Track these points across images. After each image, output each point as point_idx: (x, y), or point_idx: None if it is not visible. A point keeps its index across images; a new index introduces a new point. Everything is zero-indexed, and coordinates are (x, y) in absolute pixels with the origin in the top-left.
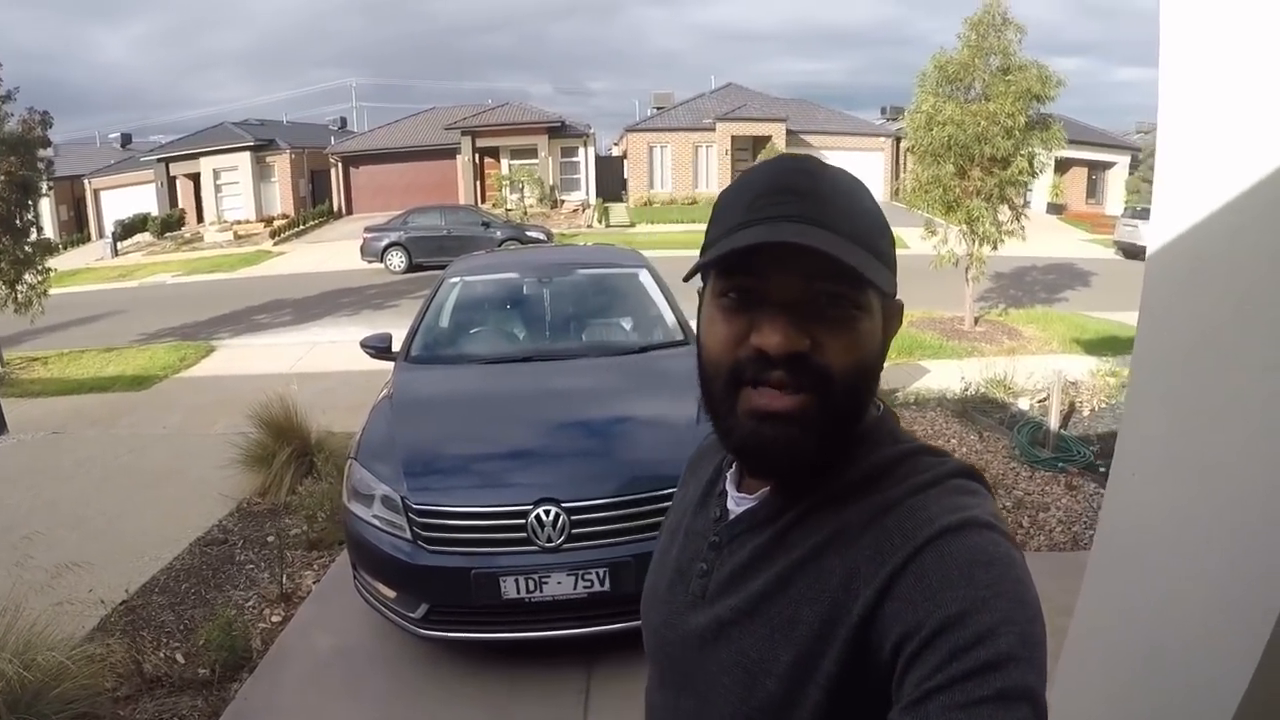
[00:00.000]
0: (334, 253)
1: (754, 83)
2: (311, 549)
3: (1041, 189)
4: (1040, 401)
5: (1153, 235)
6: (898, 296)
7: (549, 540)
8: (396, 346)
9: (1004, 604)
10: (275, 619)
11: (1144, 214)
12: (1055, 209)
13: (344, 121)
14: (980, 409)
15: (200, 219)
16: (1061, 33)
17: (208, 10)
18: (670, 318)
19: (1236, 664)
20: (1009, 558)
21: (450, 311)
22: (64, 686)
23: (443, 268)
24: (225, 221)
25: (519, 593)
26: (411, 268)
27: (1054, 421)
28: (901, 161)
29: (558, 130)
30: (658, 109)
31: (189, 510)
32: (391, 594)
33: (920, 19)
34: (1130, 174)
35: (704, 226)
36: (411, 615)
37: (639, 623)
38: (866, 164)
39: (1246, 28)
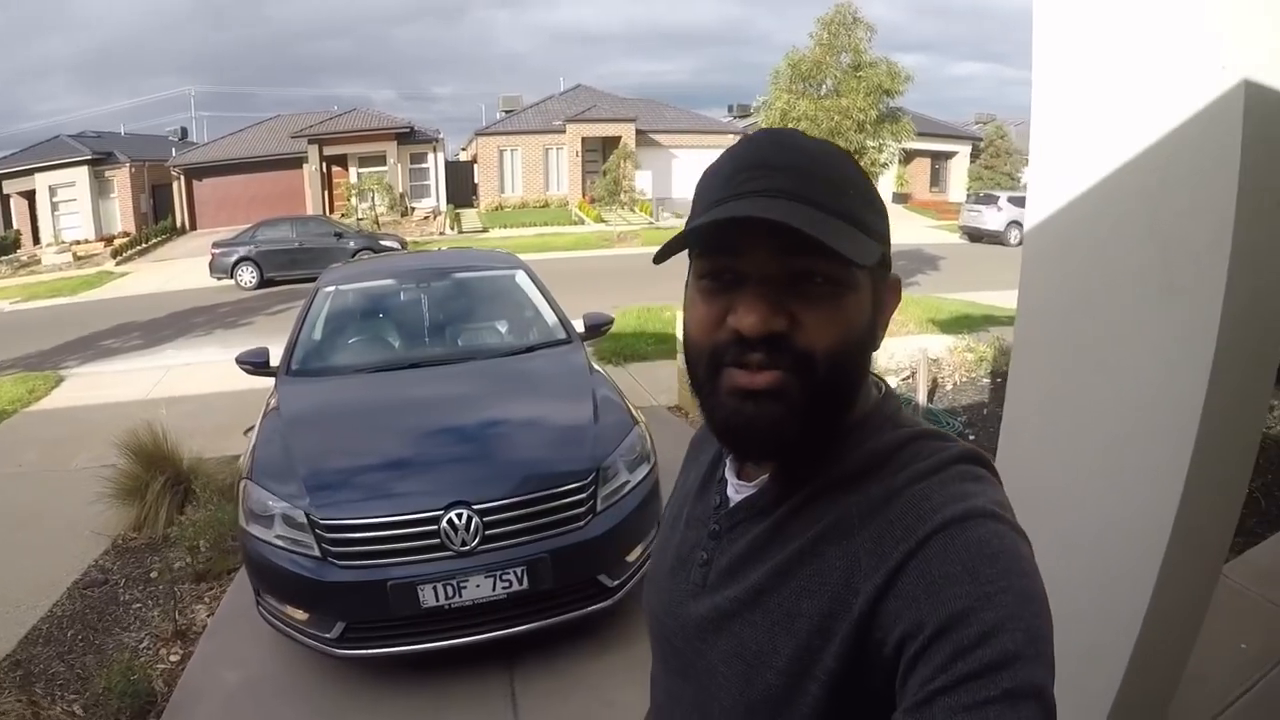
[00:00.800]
0: (181, 271)
1: (601, 84)
2: (199, 581)
3: (888, 179)
4: (905, 379)
5: (1029, 215)
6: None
7: (463, 544)
8: (274, 361)
9: (1009, 600)
10: (174, 658)
11: (986, 199)
12: (901, 198)
13: (184, 132)
14: None
15: (37, 240)
16: (902, 32)
17: (34, 16)
18: (551, 317)
19: (1134, 587)
20: (1014, 551)
21: (328, 321)
22: None
23: (297, 282)
24: (64, 242)
25: (438, 600)
26: (263, 283)
27: (921, 396)
28: None
29: (406, 136)
30: (507, 112)
31: (60, 552)
32: (303, 616)
33: (761, 18)
34: (971, 163)
35: (558, 229)
36: (326, 636)
37: (559, 618)
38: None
39: (1111, 30)
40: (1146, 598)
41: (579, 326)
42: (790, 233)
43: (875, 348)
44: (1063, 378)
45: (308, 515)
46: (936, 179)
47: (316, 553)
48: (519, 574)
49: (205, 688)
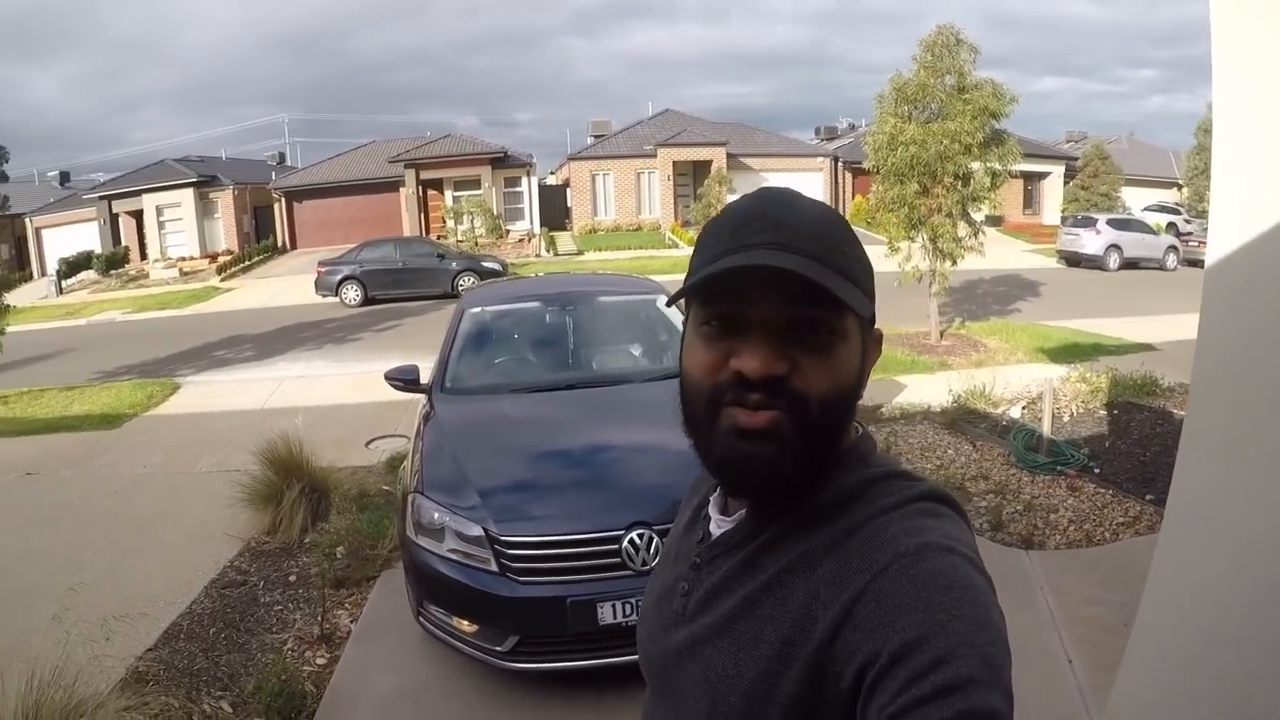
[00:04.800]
0: (284, 288)
1: (681, 108)
2: (339, 587)
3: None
4: (1025, 408)
5: (1211, 245)
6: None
7: (643, 564)
8: (422, 378)
9: (962, 626)
10: (320, 661)
11: (1085, 222)
12: (994, 221)
13: (282, 157)
14: (966, 419)
15: (144, 256)
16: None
17: (131, 50)
18: None
19: None
20: (967, 580)
21: (476, 341)
22: None
23: (400, 300)
24: (170, 258)
25: (616, 617)
26: (367, 301)
27: (1046, 427)
28: (840, 181)
29: (500, 161)
30: (597, 136)
31: (194, 552)
32: (472, 628)
33: (836, 39)
34: (1066, 183)
35: (651, 252)
36: (497, 649)
37: None
38: (805, 185)
39: None
40: None
41: None
42: (797, 283)
43: (860, 395)
44: (1245, 420)
45: (486, 531)
46: (1030, 201)
47: (494, 568)
48: None
49: (358, 691)
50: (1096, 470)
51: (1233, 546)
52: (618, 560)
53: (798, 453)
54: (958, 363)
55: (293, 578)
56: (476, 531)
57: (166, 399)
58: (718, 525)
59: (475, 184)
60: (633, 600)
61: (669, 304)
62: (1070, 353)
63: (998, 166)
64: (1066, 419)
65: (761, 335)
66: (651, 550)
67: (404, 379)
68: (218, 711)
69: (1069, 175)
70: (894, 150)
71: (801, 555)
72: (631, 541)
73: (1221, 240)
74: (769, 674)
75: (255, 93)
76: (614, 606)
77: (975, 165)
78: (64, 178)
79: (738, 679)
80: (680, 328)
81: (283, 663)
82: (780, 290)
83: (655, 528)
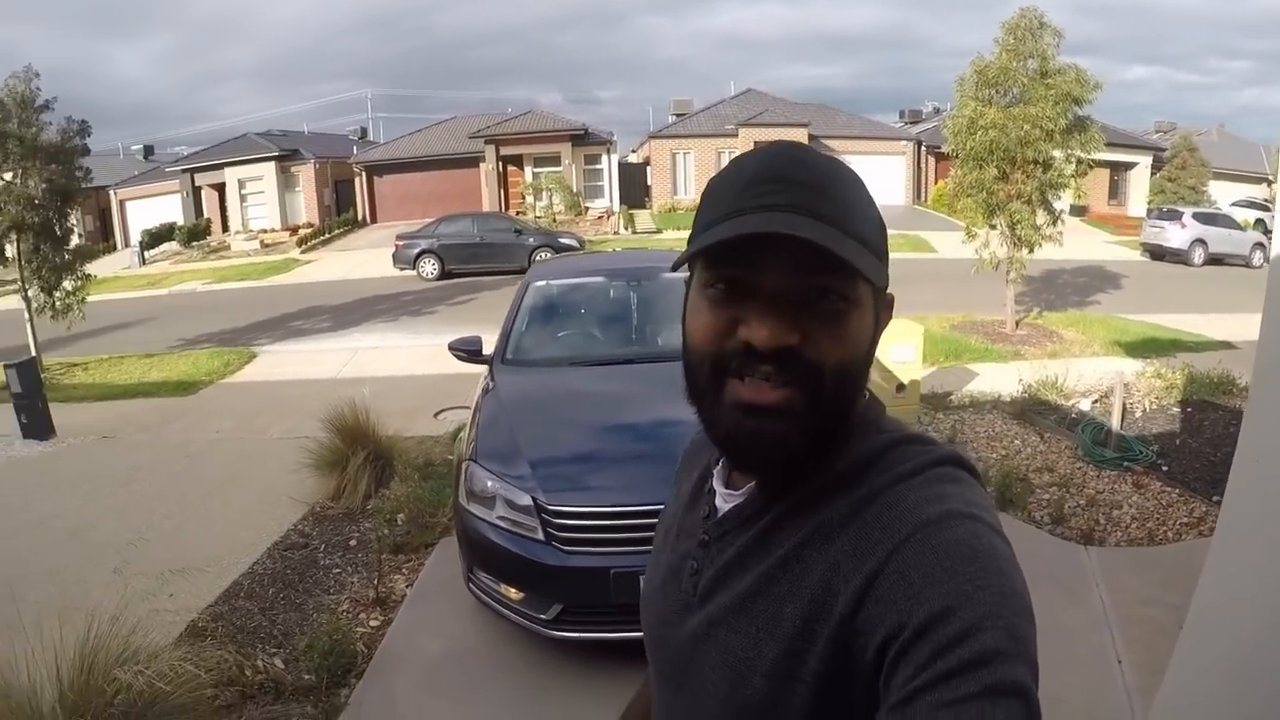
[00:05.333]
0: (363, 260)
1: (765, 88)
2: (397, 552)
3: (1065, 191)
4: (1096, 402)
5: (1277, 238)
6: (889, 290)
7: None
8: (485, 350)
9: (988, 597)
10: (374, 623)
11: (1170, 215)
12: (1078, 210)
13: (364, 132)
14: (1036, 410)
15: (226, 228)
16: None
17: (218, 27)
18: None
19: None
20: (992, 549)
21: (540, 314)
22: (175, 697)
23: (476, 275)
24: (251, 230)
25: None
26: (444, 274)
27: (1116, 422)
28: (924, 165)
29: (581, 138)
30: (678, 115)
31: (260, 515)
32: (518, 595)
33: (921, 22)
34: (1153, 175)
35: None
36: (541, 616)
37: None
38: (888, 168)
39: None
40: None
41: None
42: (809, 250)
43: (871, 362)
44: None
45: (534, 500)
46: (1115, 191)
47: (540, 536)
48: None
49: (407, 654)
50: (1165, 468)
51: None
52: None
53: (808, 428)
54: (1032, 353)
55: (353, 542)
56: (525, 500)
57: (242, 367)
58: (724, 499)
59: (555, 160)
60: None
61: (674, 269)
62: (1147, 347)
63: (1079, 154)
64: (1139, 414)
65: (771, 303)
66: None
67: (467, 350)
68: (270, 667)
69: (1156, 166)
70: (973, 134)
71: (817, 527)
72: None
73: None
74: (792, 653)
75: (340, 69)
76: None
77: (1056, 152)
78: (148, 151)
79: (759, 660)
80: None
81: (335, 623)
82: (793, 256)
83: None
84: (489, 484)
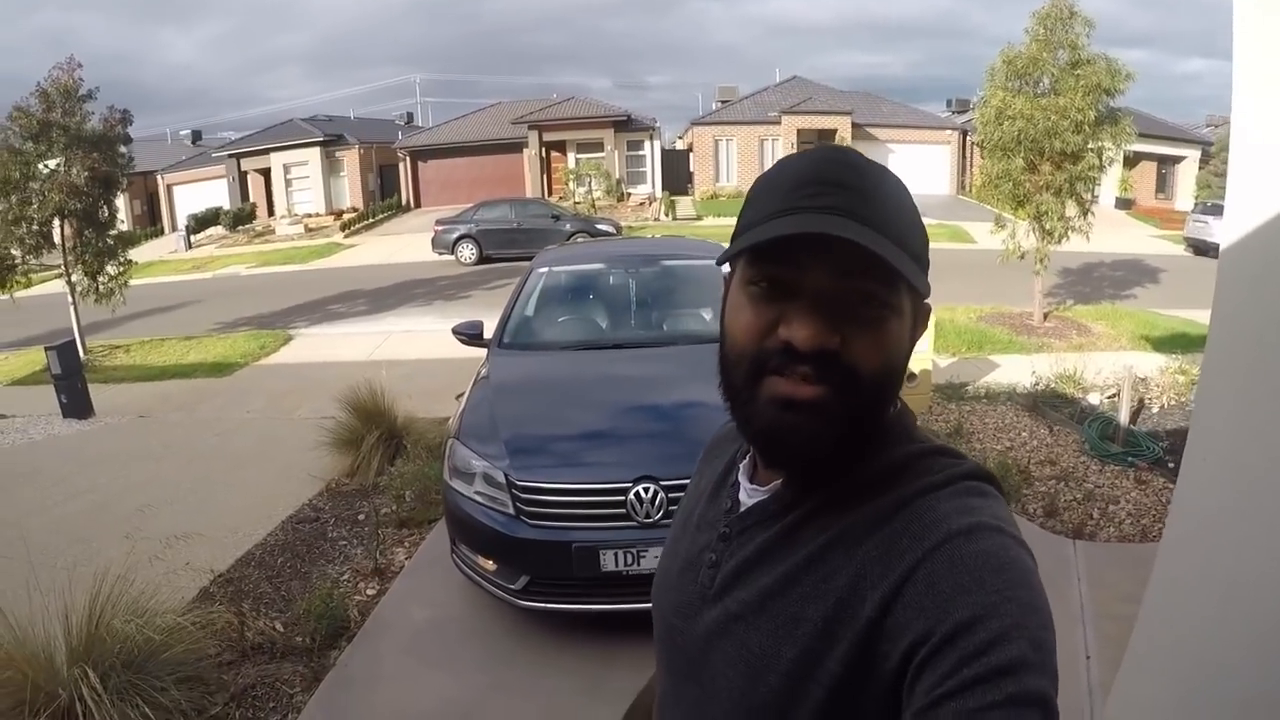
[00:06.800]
0: (404, 245)
1: (816, 76)
2: (401, 526)
3: (1110, 183)
4: (1110, 397)
5: (1226, 231)
6: (927, 300)
7: (647, 516)
8: (487, 334)
9: (1015, 609)
10: (370, 592)
11: (1214, 209)
12: (1124, 204)
13: (410, 117)
14: (1051, 404)
15: (271, 212)
16: (1122, 25)
17: (270, 13)
18: None
19: None
20: (1020, 562)
21: (540, 300)
22: (173, 650)
23: (514, 260)
24: (296, 215)
25: (617, 565)
26: (482, 259)
27: (1124, 417)
28: (968, 155)
29: (623, 124)
30: (723, 102)
31: (279, 490)
32: (491, 566)
33: (975, 11)
34: (1200, 168)
35: None
36: (511, 586)
37: None
38: (932, 157)
39: None
40: None
41: None
42: (855, 253)
43: (906, 369)
44: (1252, 405)
45: (506, 476)
46: (1163, 185)
47: (511, 510)
48: None
49: (395, 621)
50: (1171, 464)
51: (1234, 549)
52: (623, 511)
53: (841, 428)
54: (1057, 345)
55: (361, 516)
56: (499, 476)
57: (278, 349)
58: (749, 494)
59: (598, 146)
60: (634, 550)
61: (719, 263)
62: (1177, 343)
63: (1108, 145)
64: (1156, 410)
65: (813, 304)
66: (656, 504)
67: (469, 333)
68: (270, 629)
69: (1204, 161)
70: (1000, 125)
71: (844, 530)
72: (637, 494)
73: (1235, 227)
74: (811, 653)
75: (389, 54)
76: (616, 555)
77: (1089, 144)
78: (196, 136)
79: (776, 658)
80: None
81: (330, 590)
82: (837, 259)
83: (662, 483)
84: (472, 461)
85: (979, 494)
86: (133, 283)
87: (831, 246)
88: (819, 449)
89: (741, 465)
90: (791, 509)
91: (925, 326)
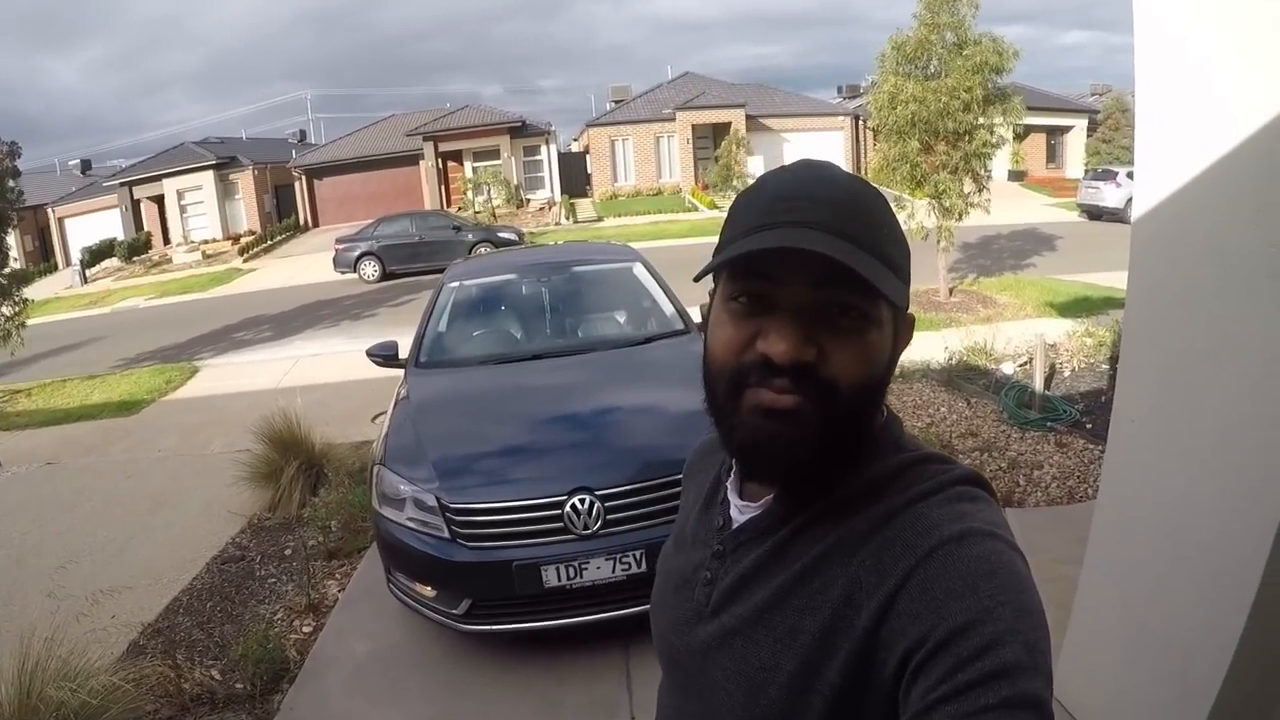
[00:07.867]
0: (305, 266)
1: (707, 71)
2: (331, 558)
3: (1002, 157)
4: (1023, 365)
5: (1137, 202)
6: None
7: (585, 528)
8: (402, 354)
9: (1008, 613)
10: (306, 629)
11: (1105, 175)
12: (1016, 176)
13: (303, 134)
14: (965, 377)
15: (167, 241)
16: (1004, 2)
17: (153, 33)
18: (668, 308)
19: (1242, 577)
20: (1012, 567)
21: (453, 315)
22: (110, 712)
23: (418, 274)
24: (192, 242)
25: (560, 580)
26: (385, 276)
27: (1038, 383)
28: (862, 140)
29: (519, 130)
30: (616, 102)
31: (200, 530)
32: (431, 593)
33: None
34: (1089, 136)
35: (671, 216)
36: (453, 611)
37: None
38: (826, 144)
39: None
40: (1254, 588)
41: (696, 316)
42: (830, 266)
43: (889, 381)
44: (1173, 366)
45: (438, 499)
46: (1052, 155)
47: (446, 534)
48: (638, 557)
49: (337, 657)
50: (1089, 426)
51: (1166, 502)
52: (560, 525)
53: (819, 440)
54: (965, 319)
55: (288, 551)
56: (430, 500)
57: (185, 383)
58: (740, 511)
59: (495, 154)
60: (576, 564)
61: (697, 279)
62: (1080, 306)
63: (998, 122)
64: (1067, 374)
65: (790, 318)
66: (594, 515)
67: (384, 355)
68: (207, 678)
69: (1091, 129)
70: (894, 109)
71: (836, 542)
72: (573, 506)
73: (1146, 198)
74: (810, 665)
75: (279, 70)
76: (558, 569)
77: (981, 121)
78: (85, 165)
79: (776, 671)
80: (654, 293)
81: (265, 631)
82: (812, 272)
83: (598, 493)
84: (400, 487)
85: (970, 499)
86: (30, 322)
87: (807, 259)
88: (797, 455)
89: (729, 482)
90: (784, 524)
91: (909, 338)
